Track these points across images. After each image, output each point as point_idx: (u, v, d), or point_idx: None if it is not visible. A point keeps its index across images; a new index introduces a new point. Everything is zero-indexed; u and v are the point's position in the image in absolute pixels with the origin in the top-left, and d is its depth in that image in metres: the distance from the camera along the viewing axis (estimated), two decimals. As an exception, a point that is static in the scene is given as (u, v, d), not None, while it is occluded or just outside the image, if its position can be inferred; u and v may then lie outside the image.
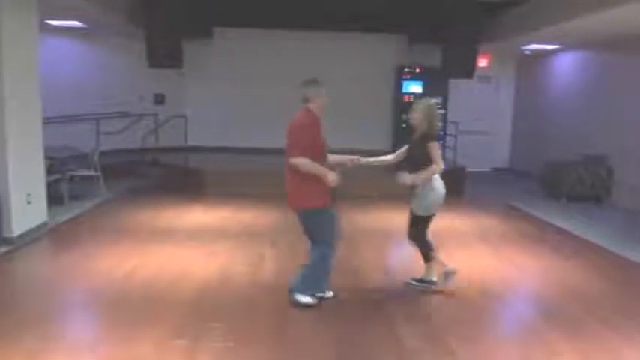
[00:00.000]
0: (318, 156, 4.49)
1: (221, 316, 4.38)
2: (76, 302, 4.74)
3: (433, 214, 4.97)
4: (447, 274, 5.02)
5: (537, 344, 4.08)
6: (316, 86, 4.56)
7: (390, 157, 5.19)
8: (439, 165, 4.76)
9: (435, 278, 5.07)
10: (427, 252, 5.06)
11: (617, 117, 9.57)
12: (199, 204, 8.61)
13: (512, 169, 13.72)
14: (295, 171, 4.46)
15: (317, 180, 4.43)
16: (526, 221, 8.20)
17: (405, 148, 5.09)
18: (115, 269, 5.40)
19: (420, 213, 4.94)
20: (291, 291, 4.65)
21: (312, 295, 4.61)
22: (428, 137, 4.84)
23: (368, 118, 12.95)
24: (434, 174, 4.80)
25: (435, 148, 4.78)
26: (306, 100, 4.54)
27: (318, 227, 4.58)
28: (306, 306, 4.56)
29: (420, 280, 5.12)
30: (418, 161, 4.83)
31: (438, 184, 4.90)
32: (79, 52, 11.65)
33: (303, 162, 4.38)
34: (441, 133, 12.78)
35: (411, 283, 5.15)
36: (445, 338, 4.09)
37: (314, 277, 4.62)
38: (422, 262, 5.14)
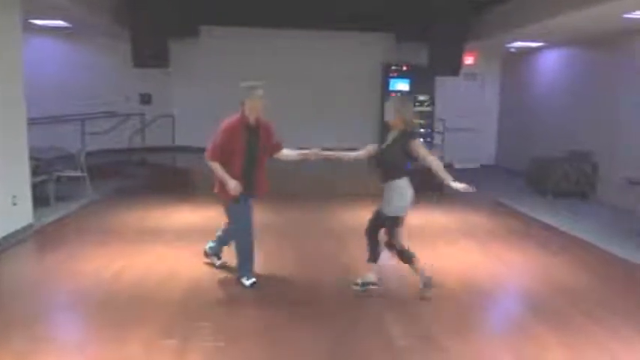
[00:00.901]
0: (236, 158, 4.81)
1: (210, 315, 4.37)
2: (63, 304, 4.70)
3: (402, 216, 4.77)
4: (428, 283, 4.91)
5: (526, 339, 4.12)
6: (249, 89, 4.86)
7: (355, 154, 5.02)
8: (431, 157, 4.61)
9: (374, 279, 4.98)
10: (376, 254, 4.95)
11: (602, 113, 9.66)
12: (187, 204, 8.57)
13: (498, 166, 13.81)
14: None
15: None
16: (513, 217, 8.27)
17: (375, 145, 4.91)
18: (102, 270, 5.37)
19: (391, 214, 4.73)
20: (238, 278, 5.12)
21: (250, 277, 5.04)
22: (408, 135, 4.65)
23: (355, 116, 12.98)
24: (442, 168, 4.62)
25: (419, 145, 4.62)
26: (240, 102, 4.87)
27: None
28: (250, 287, 4.96)
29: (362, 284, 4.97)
30: (394, 160, 4.68)
31: (405, 184, 4.71)
32: (64, 52, 11.55)
33: (213, 165, 4.83)
34: (429, 130, 12.88)
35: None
36: (435, 336, 4.11)
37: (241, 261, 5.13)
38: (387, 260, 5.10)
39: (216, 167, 4.83)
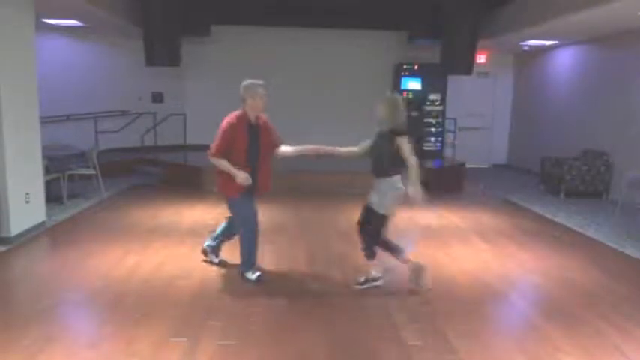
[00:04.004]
0: (239, 156, 4.84)
1: (220, 314, 4.37)
2: (74, 301, 4.73)
3: (392, 215, 4.83)
4: (418, 271, 4.98)
5: (537, 339, 4.08)
6: (251, 87, 4.92)
7: (355, 149, 5.05)
8: (412, 159, 4.58)
9: (377, 274, 5.03)
10: (373, 251, 4.94)
11: (617, 113, 9.57)
12: (198, 202, 8.60)
13: (510, 166, 13.73)
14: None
15: (229, 175, 4.84)
16: (525, 217, 8.21)
17: (369, 141, 4.93)
18: (114, 268, 5.40)
19: (381, 211, 4.77)
20: (242, 273, 5.15)
21: (255, 271, 5.11)
22: (395, 132, 4.69)
23: (367, 115, 12.91)
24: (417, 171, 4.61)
25: (404, 143, 4.62)
26: (242, 100, 4.94)
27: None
28: (256, 281, 5.03)
29: (365, 281, 5.02)
30: (383, 157, 4.72)
31: (400, 184, 4.75)
32: (77, 50, 11.63)
33: (218, 162, 4.87)
34: (440, 129, 12.82)
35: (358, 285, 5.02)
36: (446, 335, 4.09)
37: (245, 254, 5.13)
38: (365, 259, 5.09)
39: (222, 163, 4.85)
